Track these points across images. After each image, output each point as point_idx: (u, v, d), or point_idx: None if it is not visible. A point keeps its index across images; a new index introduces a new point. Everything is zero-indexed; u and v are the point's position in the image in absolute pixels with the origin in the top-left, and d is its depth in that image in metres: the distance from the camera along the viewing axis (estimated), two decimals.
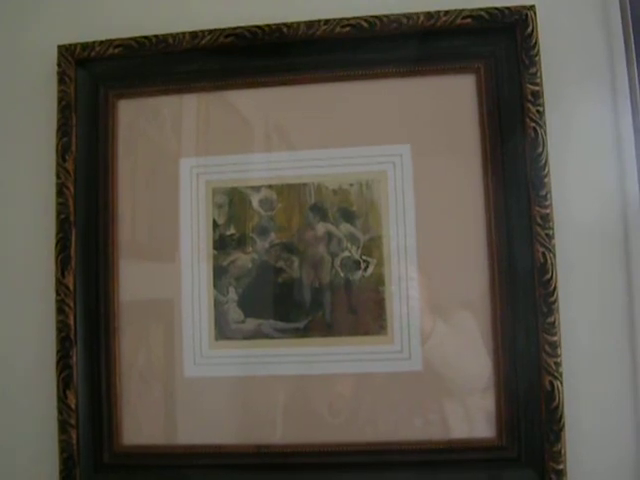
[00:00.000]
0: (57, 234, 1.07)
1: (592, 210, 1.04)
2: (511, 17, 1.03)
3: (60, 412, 1.05)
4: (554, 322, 0.99)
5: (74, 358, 1.05)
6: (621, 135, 1.03)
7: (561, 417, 0.98)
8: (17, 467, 1.10)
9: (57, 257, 1.07)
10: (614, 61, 1.04)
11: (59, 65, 1.10)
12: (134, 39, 1.08)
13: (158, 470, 1.06)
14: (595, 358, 1.02)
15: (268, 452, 1.04)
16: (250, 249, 1.06)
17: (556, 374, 0.98)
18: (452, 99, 1.05)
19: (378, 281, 1.04)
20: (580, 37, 1.06)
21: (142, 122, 1.11)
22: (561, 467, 0.97)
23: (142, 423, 1.07)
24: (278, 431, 1.04)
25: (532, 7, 1.02)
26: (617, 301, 1.02)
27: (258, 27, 1.05)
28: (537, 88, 1.01)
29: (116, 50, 1.09)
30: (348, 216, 1.05)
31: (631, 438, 1.01)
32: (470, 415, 1.02)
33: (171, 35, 1.07)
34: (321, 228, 1.05)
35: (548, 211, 1.00)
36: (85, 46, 1.09)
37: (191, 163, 1.09)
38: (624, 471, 1.00)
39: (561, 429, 0.97)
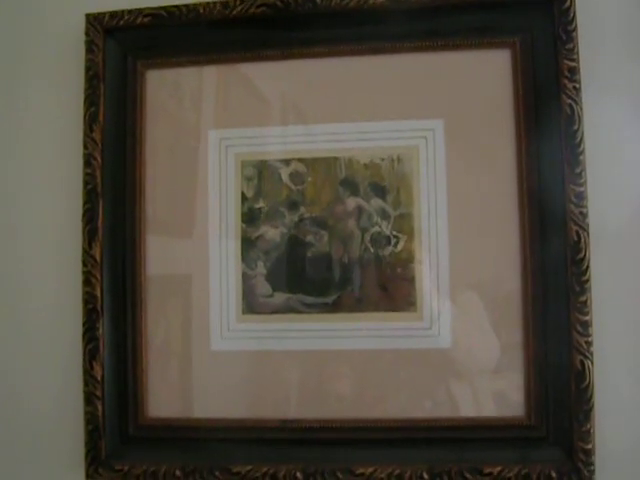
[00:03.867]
0: (84, 205, 1.06)
1: (626, 188, 1.02)
2: None
3: (86, 384, 1.05)
4: (586, 301, 0.97)
5: (100, 330, 1.05)
6: None
7: (591, 397, 0.97)
8: (43, 439, 1.10)
9: (84, 228, 1.06)
10: None
11: (87, 34, 1.08)
12: (164, 8, 1.07)
13: (183, 443, 1.05)
14: (626, 338, 1.01)
15: (293, 427, 1.03)
16: (279, 223, 1.05)
17: (587, 354, 0.97)
18: (487, 74, 1.04)
19: (408, 257, 1.03)
20: (618, 12, 1.04)
21: (171, 93, 1.10)
22: (589, 447, 0.97)
23: (167, 396, 1.07)
24: (305, 406, 1.04)
25: None
26: None
27: None
28: (574, 64, 1.00)
29: (145, 19, 1.07)
30: (379, 191, 1.04)
31: None
32: (498, 393, 1.02)
33: (202, 4, 1.06)
34: (351, 202, 1.04)
35: (582, 189, 0.98)
36: (114, 15, 1.08)
37: (220, 135, 1.08)
38: None
39: (590, 409, 0.97)
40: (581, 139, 0.99)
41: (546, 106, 1.01)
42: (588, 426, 0.97)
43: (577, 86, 1.00)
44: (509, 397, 1.01)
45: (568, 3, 1.00)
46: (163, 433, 1.06)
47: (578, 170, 0.99)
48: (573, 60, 1.00)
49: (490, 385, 1.02)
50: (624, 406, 1.01)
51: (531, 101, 1.02)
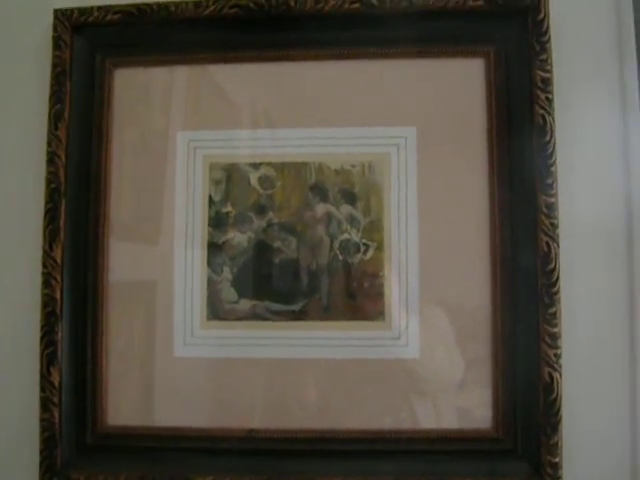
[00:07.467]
0: (46, 204, 1.03)
1: (597, 200, 1.02)
2: (523, 2, 1.00)
3: (43, 389, 1.01)
4: (555, 313, 0.97)
5: (59, 334, 1.02)
6: (629, 125, 1.02)
7: (559, 410, 0.96)
8: None
9: (45, 228, 1.03)
10: (624, 50, 1.03)
11: (55, 30, 1.05)
12: (134, 6, 1.04)
13: (143, 452, 1.02)
14: (595, 351, 1.00)
15: (257, 437, 1.01)
16: (247, 228, 1.03)
17: (555, 366, 0.96)
18: (460, 83, 1.03)
19: (377, 265, 1.01)
20: (592, 24, 1.04)
21: (139, 92, 1.07)
22: (557, 460, 0.96)
23: (128, 403, 1.03)
24: (270, 416, 1.01)
25: None
26: (619, 294, 1.01)
27: None
28: (547, 75, 0.99)
29: (115, 17, 1.05)
30: (349, 198, 1.02)
31: (628, 432, 1.00)
32: (466, 405, 1.00)
33: (173, 3, 1.04)
34: (321, 209, 1.03)
35: (553, 200, 0.98)
36: (83, 11, 1.05)
37: (188, 137, 1.05)
38: (620, 465, 0.99)
39: (558, 422, 0.96)
40: (553, 150, 0.99)
41: (519, 116, 1.01)
42: (556, 439, 0.96)
43: (550, 97, 0.99)
44: (477, 409, 1.00)
45: (542, 15, 1.00)
46: (122, 442, 1.03)
47: (549, 181, 0.98)
48: (547, 71, 1.00)
49: (458, 397, 1.01)
50: (592, 419, 1.00)
51: (504, 111, 1.01)
